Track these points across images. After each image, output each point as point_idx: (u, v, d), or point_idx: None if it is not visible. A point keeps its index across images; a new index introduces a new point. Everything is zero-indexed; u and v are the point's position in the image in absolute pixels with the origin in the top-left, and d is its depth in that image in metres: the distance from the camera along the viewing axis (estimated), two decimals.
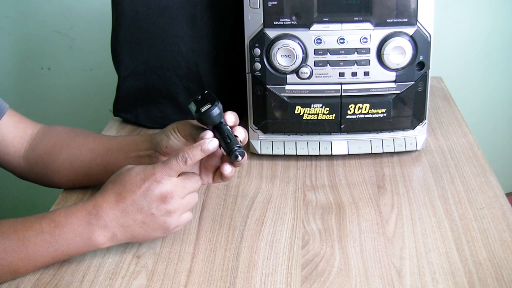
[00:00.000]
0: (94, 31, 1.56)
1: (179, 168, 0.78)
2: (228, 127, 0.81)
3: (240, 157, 0.79)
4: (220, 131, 0.80)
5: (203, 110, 0.80)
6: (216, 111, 0.80)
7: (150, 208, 0.78)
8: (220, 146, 0.81)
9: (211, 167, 0.85)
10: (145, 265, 0.82)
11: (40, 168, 0.96)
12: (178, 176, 0.79)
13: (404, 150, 1.06)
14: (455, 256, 0.81)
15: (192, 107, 0.81)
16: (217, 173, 0.85)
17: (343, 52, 1.00)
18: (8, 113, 0.94)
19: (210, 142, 0.79)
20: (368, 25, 0.98)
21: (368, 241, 0.85)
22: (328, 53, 1.00)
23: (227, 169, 0.82)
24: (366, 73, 1.01)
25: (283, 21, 0.99)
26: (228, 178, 0.83)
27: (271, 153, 1.07)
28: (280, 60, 1.00)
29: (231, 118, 0.83)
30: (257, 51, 1.00)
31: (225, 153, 0.81)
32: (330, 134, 1.05)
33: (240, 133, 0.83)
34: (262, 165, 1.06)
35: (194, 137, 0.82)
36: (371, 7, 0.97)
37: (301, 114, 1.03)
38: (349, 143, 1.05)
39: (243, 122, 1.09)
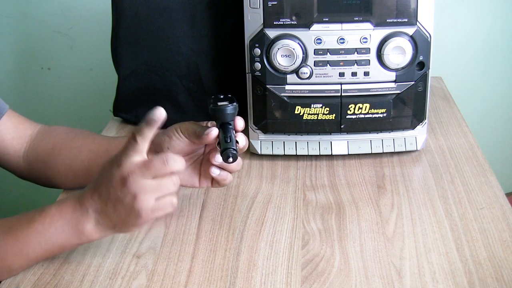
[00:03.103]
0: (94, 31, 1.56)
1: (131, 146, 0.75)
2: (234, 131, 0.82)
3: (231, 159, 0.79)
4: (225, 130, 0.81)
5: (219, 103, 0.82)
6: (231, 109, 0.82)
7: (116, 192, 0.75)
8: (218, 144, 0.81)
9: None
10: (145, 265, 0.82)
11: (40, 169, 0.96)
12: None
13: (404, 150, 1.06)
14: (455, 256, 0.81)
15: (211, 100, 0.83)
16: (215, 178, 0.86)
17: (343, 52, 1.00)
18: (8, 113, 0.94)
19: (155, 112, 0.76)
20: (368, 25, 0.98)
21: (368, 241, 0.85)
22: (328, 53, 1.00)
23: (215, 171, 0.84)
24: (366, 73, 1.00)
25: (283, 21, 0.99)
26: (222, 182, 0.85)
27: (271, 153, 1.07)
28: (280, 60, 1.00)
29: (240, 123, 0.84)
30: (257, 51, 1.00)
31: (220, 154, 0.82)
32: (330, 134, 1.05)
33: (241, 140, 0.84)
34: (262, 165, 1.06)
35: (199, 135, 0.83)
36: (371, 7, 0.97)
37: (301, 114, 1.03)
38: (349, 143, 1.05)
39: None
